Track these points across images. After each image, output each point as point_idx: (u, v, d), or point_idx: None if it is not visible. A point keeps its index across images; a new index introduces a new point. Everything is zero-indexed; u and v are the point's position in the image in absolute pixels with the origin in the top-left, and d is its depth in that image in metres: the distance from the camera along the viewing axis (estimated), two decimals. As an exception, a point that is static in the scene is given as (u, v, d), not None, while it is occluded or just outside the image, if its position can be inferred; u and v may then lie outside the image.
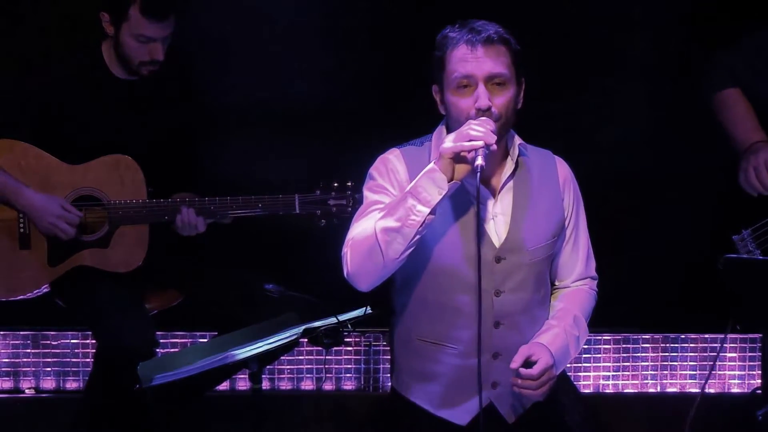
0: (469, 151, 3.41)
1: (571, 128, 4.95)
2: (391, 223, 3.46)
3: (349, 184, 4.45)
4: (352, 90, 5.04)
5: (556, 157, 3.78)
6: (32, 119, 4.45)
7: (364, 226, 3.54)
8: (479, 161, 3.38)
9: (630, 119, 5.11)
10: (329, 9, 5.01)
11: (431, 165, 3.46)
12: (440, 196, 3.44)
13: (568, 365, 3.89)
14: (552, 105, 4.95)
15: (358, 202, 4.45)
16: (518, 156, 3.66)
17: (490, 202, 3.64)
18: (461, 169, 3.46)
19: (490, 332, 3.61)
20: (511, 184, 3.66)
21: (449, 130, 3.62)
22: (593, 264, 3.84)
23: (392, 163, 3.67)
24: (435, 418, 3.72)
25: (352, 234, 3.57)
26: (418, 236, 3.47)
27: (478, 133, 3.40)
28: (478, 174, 3.38)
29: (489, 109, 3.49)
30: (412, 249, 3.50)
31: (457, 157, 3.43)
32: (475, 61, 3.49)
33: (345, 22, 5.02)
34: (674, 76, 5.08)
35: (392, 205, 3.50)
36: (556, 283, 3.82)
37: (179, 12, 4.43)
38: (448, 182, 3.44)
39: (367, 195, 3.68)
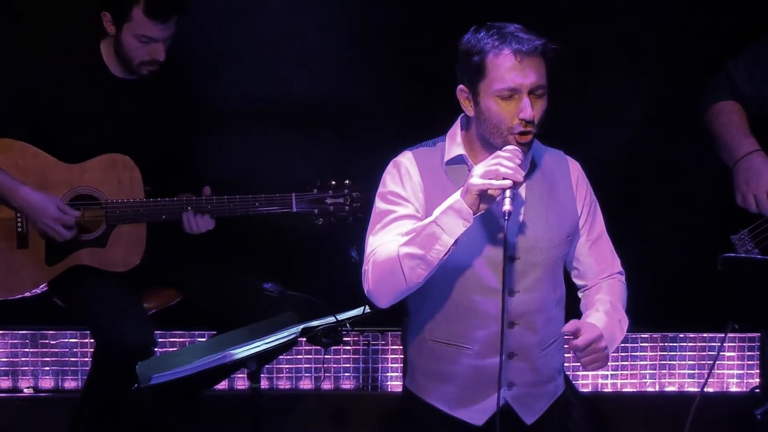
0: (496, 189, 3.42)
1: (570, 128, 4.94)
2: (414, 250, 3.47)
3: (347, 182, 4.45)
4: (351, 89, 5.04)
5: (567, 157, 3.79)
6: (30, 118, 4.44)
7: (386, 248, 3.55)
8: (507, 206, 3.39)
9: (629, 119, 5.11)
10: (330, 7, 5.01)
11: (458, 198, 3.45)
12: (465, 228, 3.45)
13: (567, 364, 3.89)
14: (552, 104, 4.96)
15: (355, 200, 4.45)
16: (531, 156, 3.67)
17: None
18: (487, 201, 3.46)
19: (505, 332, 3.60)
20: (524, 183, 3.66)
21: (467, 129, 3.63)
22: (618, 260, 3.85)
23: (404, 166, 3.67)
24: (450, 418, 3.73)
25: (374, 251, 3.58)
26: (440, 262, 3.49)
27: (508, 170, 3.40)
28: (506, 222, 3.38)
29: (532, 120, 3.49)
30: (434, 272, 3.52)
31: (484, 193, 3.43)
32: (522, 73, 3.48)
33: (345, 21, 5.01)
34: (673, 76, 5.07)
35: (417, 231, 3.49)
36: (583, 284, 3.83)
37: (182, 12, 4.41)
38: (474, 215, 3.45)
39: (380, 204, 3.67)
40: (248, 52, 5.01)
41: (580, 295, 3.83)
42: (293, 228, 4.77)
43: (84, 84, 4.46)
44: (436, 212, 3.48)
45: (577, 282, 3.84)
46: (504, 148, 3.48)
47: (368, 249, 3.61)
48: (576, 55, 4.96)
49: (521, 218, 3.64)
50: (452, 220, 3.44)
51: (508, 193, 3.40)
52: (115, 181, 4.45)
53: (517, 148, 3.48)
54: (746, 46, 4.50)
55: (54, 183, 4.44)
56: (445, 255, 3.46)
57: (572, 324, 3.56)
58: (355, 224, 4.35)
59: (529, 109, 3.48)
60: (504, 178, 3.39)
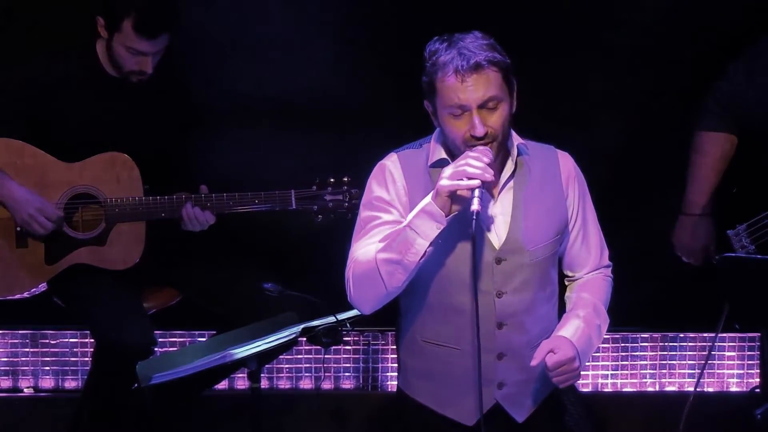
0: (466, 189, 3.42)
1: (569, 126, 4.94)
2: (391, 255, 3.48)
3: (346, 179, 4.46)
4: (350, 87, 5.04)
5: (558, 151, 3.76)
6: (28, 117, 4.44)
7: (364, 255, 3.55)
8: (475, 206, 3.39)
9: (629, 117, 5.11)
10: (329, 5, 5.01)
11: (429, 201, 3.45)
12: (439, 231, 3.45)
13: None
14: (550, 103, 4.96)
15: (354, 197, 4.45)
16: (518, 155, 3.65)
17: (490, 203, 3.63)
18: (459, 202, 3.46)
19: (493, 333, 3.61)
20: (511, 184, 3.65)
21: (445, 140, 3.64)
22: (607, 253, 3.83)
23: (388, 169, 3.67)
24: (442, 417, 3.72)
25: (355, 258, 3.58)
26: (418, 266, 3.49)
27: (476, 170, 3.39)
28: (474, 221, 3.39)
29: (485, 135, 3.49)
30: (413, 276, 3.52)
31: (454, 194, 3.43)
32: (465, 91, 3.46)
33: (343, 19, 5.02)
34: (672, 75, 5.07)
35: (392, 237, 3.50)
36: (570, 275, 3.82)
37: (171, 29, 4.38)
38: (446, 216, 3.45)
39: (364, 212, 3.67)
40: (246, 50, 5.02)
41: (566, 283, 3.82)
42: (293, 227, 4.77)
43: (81, 82, 4.46)
44: (410, 216, 3.49)
45: (565, 272, 3.83)
46: (474, 148, 3.48)
47: (349, 257, 3.62)
48: (573, 54, 4.97)
49: (508, 219, 3.63)
50: (425, 223, 3.44)
51: (476, 192, 3.40)
52: (114, 180, 4.45)
53: (484, 148, 3.47)
54: (742, 51, 4.47)
55: (53, 182, 4.44)
56: (421, 258, 3.47)
57: (544, 348, 3.54)
58: (354, 221, 4.35)
59: (479, 127, 3.47)
60: (472, 178, 3.40)
